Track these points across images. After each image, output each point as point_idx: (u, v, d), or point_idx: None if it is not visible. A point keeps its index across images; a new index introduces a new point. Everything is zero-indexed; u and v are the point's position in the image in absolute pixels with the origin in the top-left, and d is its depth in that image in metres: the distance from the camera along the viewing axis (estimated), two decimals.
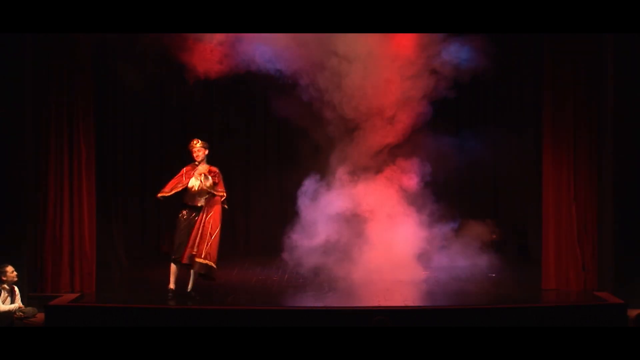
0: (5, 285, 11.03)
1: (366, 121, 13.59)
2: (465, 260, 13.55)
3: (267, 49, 12.85)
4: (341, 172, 13.73)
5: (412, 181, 13.67)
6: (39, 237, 12.08)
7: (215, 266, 11.53)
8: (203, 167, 11.52)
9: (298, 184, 13.84)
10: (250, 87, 14.37)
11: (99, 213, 12.53)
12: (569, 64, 12.08)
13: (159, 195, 11.53)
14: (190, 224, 11.45)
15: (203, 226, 11.42)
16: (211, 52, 12.74)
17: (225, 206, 11.71)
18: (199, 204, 11.51)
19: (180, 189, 11.46)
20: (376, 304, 11.34)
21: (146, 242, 15.08)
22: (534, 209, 13.36)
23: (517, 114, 14.64)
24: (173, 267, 11.54)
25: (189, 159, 11.64)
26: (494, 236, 13.84)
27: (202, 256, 11.38)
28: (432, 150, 13.80)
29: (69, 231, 12.11)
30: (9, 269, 11.05)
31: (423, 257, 13.56)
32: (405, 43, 13.16)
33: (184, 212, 11.52)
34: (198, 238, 11.37)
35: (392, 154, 13.79)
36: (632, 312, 10.59)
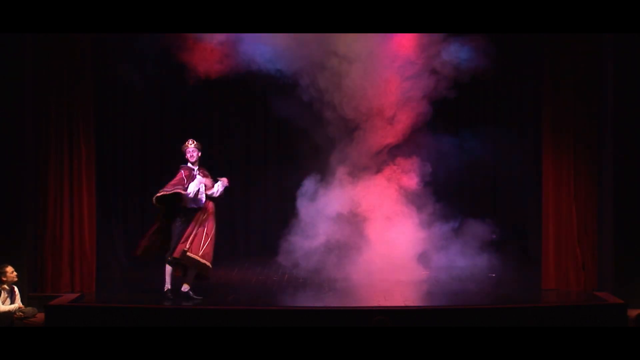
0: (5, 286, 11.04)
1: (366, 121, 13.60)
2: (465, 260, 13.55)
3: (268, 49, 12.84)
4: (341, 172, 13.73)
5: (412, 181, 13.67)
6: (39, 237, 12.09)
7: (210, 266, 11.52)
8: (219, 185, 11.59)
9: (298, 184, 13.84)
10: (251, 87, 14.36)
11: (99, 213, 12.54)
12: (569, 64, 12.09)
13: (160, 194, 11.46)
14: (186, 224, 11.43)
15: (200, 225, 11.40)
16: (211, 52, 12.75)
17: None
18: (196, 207, 11.50)
19: (180, 190, 11.42)
20: (376, 304, 11.34)
21: None
22: (534, 209, 13.35)
23: (517, 114, 14.65)
24: (168, 268, 11.52)
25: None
26: (494, 236, 13.84)
27: (196, 253, 11.33)
28: (432, 150, 13.80)
29: (69, 231, 12.11)
30: (9, 269, 11.06)
31: (423, 257, 13.57)
32: (405, 43, 13.17)
33: (180, 215, 11.49)
34: (193, 235, 11.34)
35: (392, 154, 13.79)
36: (632, 312, 10.58)
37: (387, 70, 13.30)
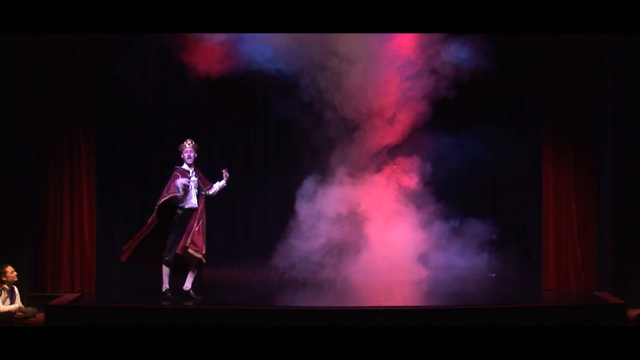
0: (5, 286, 11.04)
1: (366, 121, 13.60)
2: (465, 260, 13.55)
3: (268, 49, 12.84)
4: (341, 173, 13.73)
5: (412, 181, 13.68)
6: (39, 238, 12.09)
7: (205, 262, 11.59)
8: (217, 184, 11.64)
9: (298, 184, 13.84)
10: (251, 87, 14.36)
11: (99, 213, 12.54)
12: (569, 64, 12.08)
13: (160, 202, 11.48)
14: (182, 224, 11.45)
15: (196, 222, 11.42)
16: (212, 51, 12.76)
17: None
18: (191, 206, 11.51)
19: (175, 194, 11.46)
20: (376, 304, 11.34)
21: None
22: (533, 209, 13.35)
23: (517, 113, 14.63)
24: (165, 269, 11.53)
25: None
26: (494, 236, 13.84)
27: (195, 249, 11.36)
28: (432, 150, 13.80)
29: (69, 231, 12.11)
30: (9, 269, 11.06)
31: (423, 257, 13.57)
32: (405, 43, 13.17)
33: (179, 215, 11.50)
34: (192, 232, 11.34)
35: (392, 154, 13.80)
36: (632, 312, 10.58)
37: (387, 70, 13.31)
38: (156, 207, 11.48)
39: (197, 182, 11.54)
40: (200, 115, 15.00)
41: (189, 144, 11.53)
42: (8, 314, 10.93)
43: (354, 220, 13.65)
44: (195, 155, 11.55)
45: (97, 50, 12.18)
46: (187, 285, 11.56)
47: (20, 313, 11.02)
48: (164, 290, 11.51)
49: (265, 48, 12.82)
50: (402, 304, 11.43)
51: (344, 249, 13.46)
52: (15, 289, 11.15)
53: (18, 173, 11.82)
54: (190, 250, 11.33)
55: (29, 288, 11.80)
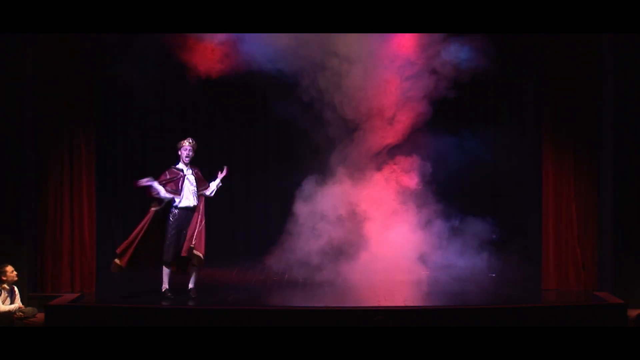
0: (5, 285, 11.03)
1: (366, 121, 13.60)
2: (465, 259, 13.55)
3: (268, 49, 12.82)
4: (341, 173, 13.72)
5: (412, 181, 13.68)
6: (39, 238, 12.08)
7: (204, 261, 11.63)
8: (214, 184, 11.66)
9: (298, 185, 13.84)
10: (251, 87, 14.35)
11: (99, 213, 12.53)
12: (569, 64, 12.08)
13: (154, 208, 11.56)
14: (181, 225, 11.46)
15: (198, 223, 11.44)
16: (212, 51, 12.76)
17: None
18: (186, 205, 11.53)
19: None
20: (376, 304, 11.33)
21: None
22: (533, 209, 13.35)
23: (517, 113, 14.65)
24: (165, 269, 11.55)
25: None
26: (494, 236, 13.84)
27: (200, 250, 11.39)
28: (432, 150, 13.80)
29: (69, 231, 12.11)
30: (9, 268, 11.06)
31: (423, 257, 13.57)
32: (405, 43, 13.17)
33: (175, 215, 11.51)
34: (196, 233, 11.38)
35: (392, 154, 13.79)
36: (632, 312, 10.59)
37: (387, 70, 13.31)
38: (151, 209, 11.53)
39: (194, 181, 11.55)
40: (200, 115, 15.01)
41: (188, 142, 11.54)
42: (8, 313, 10.93)
43: (354, 220, 13.65)
44: (193, 154, 11.56)
45: (97, 50, 12.18)
46: (191, 285, 11.61)
47: (20, 313, 11.01)
48: (163, 290, 11.52)
49: (265, 48, 12.80)
50: (402, 304, 11.42)
51: (344, 249, 13.45)
52: (15, 288, 11.15)
53: (18, 173, 11.82)
54: (195, 251, 11.36)
55: (29, 288, 11.80)
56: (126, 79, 13.13)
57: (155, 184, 11.43)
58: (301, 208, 13.63)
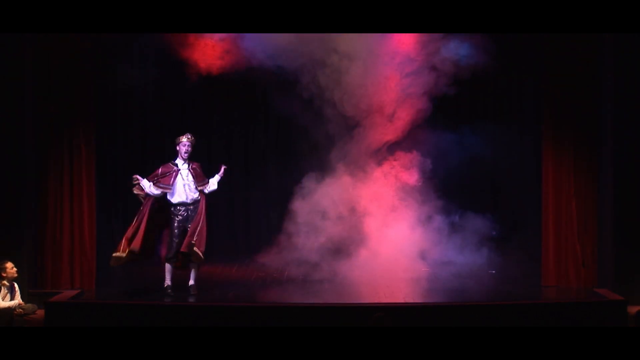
0: (5, 282, 11.04)
1: (366, 118, 13.60)
2: (465, 256, 13.55)
3: (269, 46, 12.82)
4: (341, 169, 13.72)
5: (412, 177, 13.68)
6: (39, 237, 12.09)
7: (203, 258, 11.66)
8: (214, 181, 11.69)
9: (298, 181, 13.84)
10: (251, 84, 14.34)
11: (99, 213, 12.53)
12: (569, 63, 12.08)
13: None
14: (184, 220, 11.49)
15: (201, 220, 11.48)
16: (212, 48, 12.76)
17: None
18: (186, 200, 11.55)
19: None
20: (376, 301, 11.34)
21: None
22: (533, 205, 13.35)
23: (517, 110, 14.65)
24: (168, 266, 11.59)
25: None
26: (494, 233, 13.84)
27: (199, 247, 11.42)
28: (432, 147, 13.80)
29: (69, 231, 12.12)
30: (9, 265, 11.06)
31: (423, 254, 13.57)
32: (405, 40, 13.17)
33: (178, 214, 11.54)
34: (197, 230, 11.42)
35: (392, 150, 13.79)
36: (632, 309, 10.58)
37: (387, 67, 13.32)
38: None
39: (189, 176, 11.56)
40: (199, 112, 15.00)
41: (187, 138, 11.57)
42: (8, 310, 10.92)
43: (354, 216, 13.65)
44: (191, 150, 11.59)
45: (97, 50, 12.19)
46: (191, 281, 11.65)
47: (20, 309, 11.01)
48: (165, 286, 11.55)
49: (265, 44, 12.80)
50: (402, 301, 11.43)
51: (344, 245, 13.45)
52: (15, 285, 11.15)
53: (18, 172, 11.81)
54: (195, 249, 11.38)
55: (29, 285, 11.80)
56: (126, 78, 13.13)
57: (143, 181, 11.48)
58: (301, 205, 13.63)
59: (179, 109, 14.86)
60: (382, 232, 13.44)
